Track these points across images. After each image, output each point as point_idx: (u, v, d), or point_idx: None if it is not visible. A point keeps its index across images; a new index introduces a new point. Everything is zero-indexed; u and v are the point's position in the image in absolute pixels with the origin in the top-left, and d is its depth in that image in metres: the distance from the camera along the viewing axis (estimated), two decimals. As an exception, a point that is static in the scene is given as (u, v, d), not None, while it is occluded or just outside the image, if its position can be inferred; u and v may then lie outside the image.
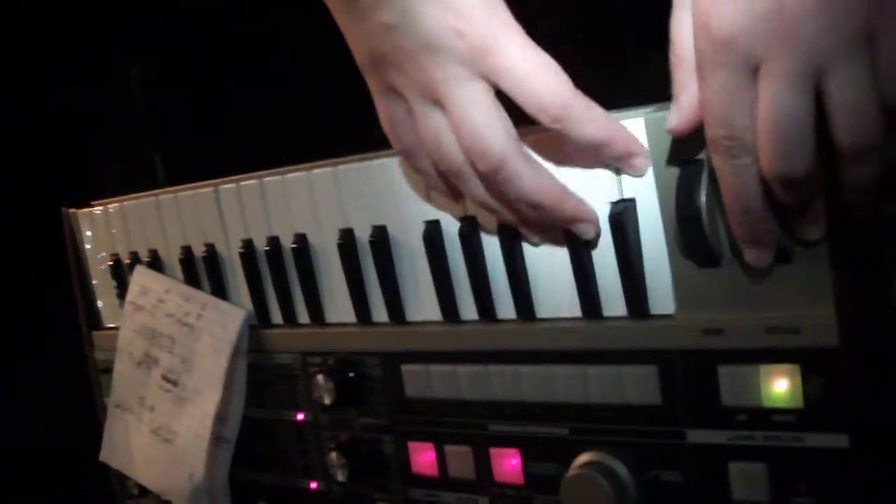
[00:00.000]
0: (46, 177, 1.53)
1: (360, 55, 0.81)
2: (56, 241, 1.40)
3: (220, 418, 1.17)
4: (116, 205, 1.32)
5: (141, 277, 1.28)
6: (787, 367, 0.74)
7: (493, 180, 0.78)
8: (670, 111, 0.72)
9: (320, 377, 1.04)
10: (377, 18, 0.76)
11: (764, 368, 0.75)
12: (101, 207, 1.35)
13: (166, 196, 1.24)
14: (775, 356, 0.75)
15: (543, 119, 0.75)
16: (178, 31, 1.45)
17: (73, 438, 1.47)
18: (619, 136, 0.77)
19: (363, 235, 1.00)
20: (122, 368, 1.30)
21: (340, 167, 1.02)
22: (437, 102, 0.77)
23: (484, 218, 0.89)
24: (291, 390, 1.13)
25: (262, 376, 1.17)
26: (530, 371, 0.89)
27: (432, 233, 0.93)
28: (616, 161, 0.79)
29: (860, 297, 0.71)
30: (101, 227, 1.35)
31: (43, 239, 1.45)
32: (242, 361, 1.17)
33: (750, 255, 0.72)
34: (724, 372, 0.78)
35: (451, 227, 0.92)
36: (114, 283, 1.35)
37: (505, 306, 0.91)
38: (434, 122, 0.78)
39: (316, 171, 1.04)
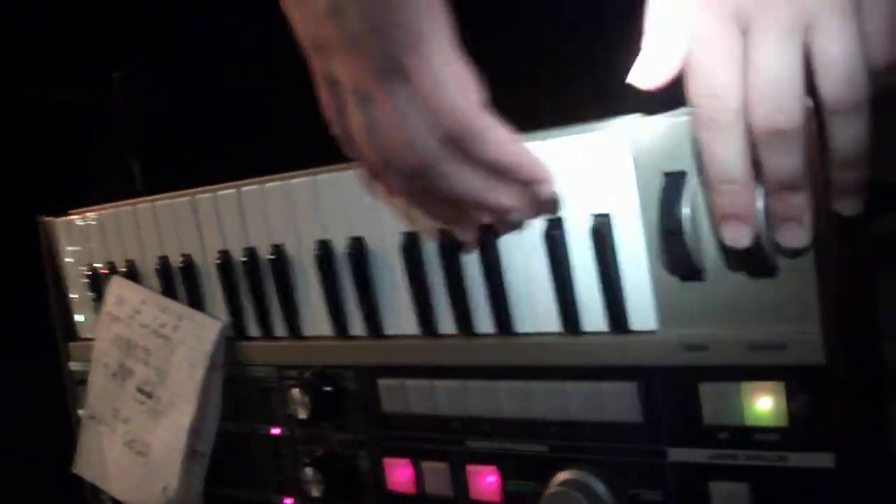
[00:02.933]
0: (23, 184, 1.51)
1: (303, 41, 0.79)
2: (32, 251, 1.38)
3: (195, 431, 1.16)
4: (94, 214, 1.30)
5: (117, 287, 1.26)
6: (771, 384, 0.73)
7: (415, 180, 0.78)
8: (635, 64, 0.72)
9: (296, 391, 1.03)
10: (318, 4, 0.74)
11: (747, 386, 0.74)
12: (78, 216, 1.33)
13: (143, 205, 1.22)
14: (759, 373, 0.74)
15: (440, 131, 0.74)
16: (162, 36, 1.44)
17: (46, 450, 1.43)
18: (523, 161, 0.77)
19: (341, 247, 0.99)
20: (97, 379, 1.28)
21: (319, 177, 1.00)
22: (368, 95, 0.76)
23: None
24: (267, 404, 1.12)
25: (237, 389, 1.15)
26: (509, 387, 0.88)
27: (410, 245, 0.92)
28: (522, 186, 0.79)
29: (847, 311, 0.70)
30: (78, 237, 1.33)
31: (18, 248, 1.43)
32: (218, 374, 1.15)
33: (728, 232, 0.70)
34: (707, 389, 0.76)
35: (429, 238, 0.91)
36: (90, 294, 1.32)
37: (484, 320, 0.89)
38: (363, 116, 0.77)
39: (294, 180, 1.03)
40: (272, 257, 1.06)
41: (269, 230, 1.07)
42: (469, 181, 0.78)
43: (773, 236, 0.71)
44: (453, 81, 0.74)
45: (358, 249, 0.97)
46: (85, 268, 1.32)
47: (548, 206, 0.82)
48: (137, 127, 1.49)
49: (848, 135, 0.65)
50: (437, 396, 0.94)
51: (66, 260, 1.36)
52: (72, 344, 1.38)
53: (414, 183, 0.79)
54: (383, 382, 0.98)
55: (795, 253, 0.71)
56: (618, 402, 0.81)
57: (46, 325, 1.40)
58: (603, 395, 0.82)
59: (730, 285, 0.75)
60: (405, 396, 0.97)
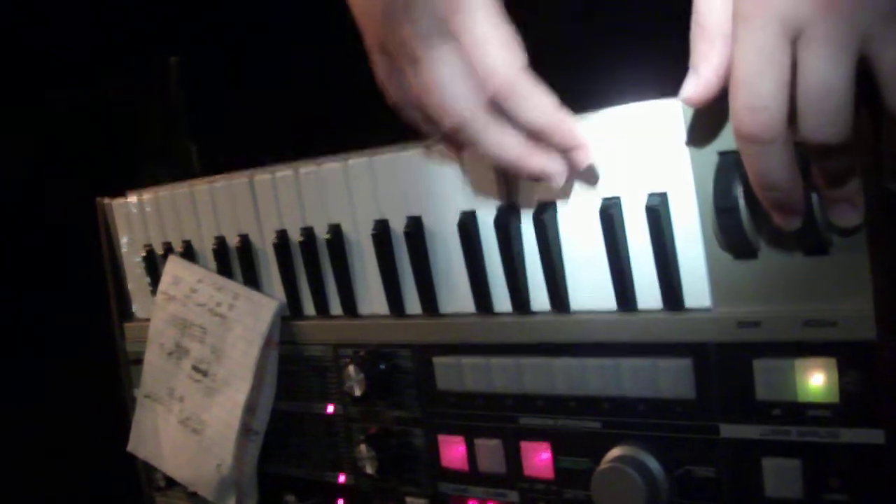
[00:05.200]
0: (82, 167, 1.53)
1: (355, 10, 0.84)
2: (90, 231, 1.40)
3: (250, 409, 1.17)
4: (151, 195, 1.32)
5: (173, 267, 1.28)
6: (823, 360, 0.73)
7: (456, 139, 0.82)
8: (686, 81, 0.71)
9: (351, 368, 1.04)
10: None
11: (799, 362, 0.74)
12: (135, 198, 1.35)
13: (200, 186, 1.23)
14: (811, 350, 0.74)
15: (487, 90, 0.77)
16: (217, 22, 1.45)
17: (101, 428, 1.46)
18: (561, 127, 0.79)
19: (398, 226, 1.00)
20: (153, 359, 1.30)
21: (376, 157, 1.02)
22: (416, 58, 0.79)
23: (523, 207, 0.89)
24: (322, 382, 1.13)
25: (292, 368, 1.16)
26: (563, 364, 0.89)
27: (467, 223, 0.93)
28: (559, 151, 0.81)
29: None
30: (136, 218, 1.35)
31: (77, 229, 1.45)
32: (274, 353, 1.16)
33: (777, 219, 0.70)
34: (760, 365, 0.77)
35: (486, 217, 0.92)
36: (146, 274, 1.35)
37: (539, 298, 0.90)
38: (413, 79, 0.81)
39: (351, 161, 1.04)
40: (329, 237, 1.07)
41: (327, 210, 1.08)
42: (508, 142, 0.80)
43: (825, 214, 0.71)
44: (496, 41, 0.77)
45: (415, 228, 0.98)
46: (141, 248, 1.34)
47: (585, 175, 0.83)
48: (192, 111, 1.50)
49: None
50: (492, 374, 0.94)
51: (123, 240, 1.38)
52: (127, 324, 1.40)
53: (460, 142, 0.82)
54: (438, 360, 0.99)
55: (848, 231, 0.71)
56: (671, 379, 0.82)
57: (104, 305, 1.42)
58: (657, 371, 0.83)
59: (783, 263, 0.75)
60: (460, 374, 0.97)
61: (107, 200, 1.39)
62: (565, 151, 0.80)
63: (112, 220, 1.39)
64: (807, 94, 0.63)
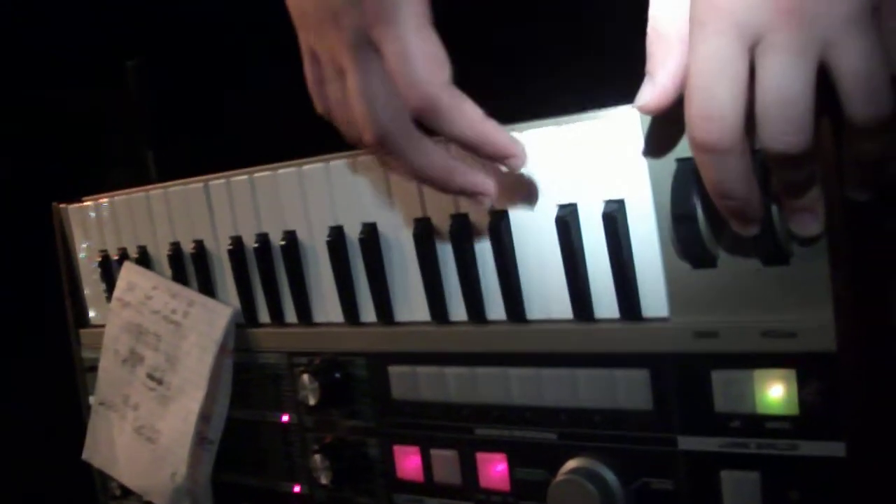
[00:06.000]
0: (38, 171, 1.50)
1: (291, 13, 0.81)
2: (46, 237, 1.38)
3: (205, 418, 1.15)
4: (107, 200, 1.30)
5: (129, 273, 1.26)
6: (782, 372, 0.72)
7: (381, 152, 0.79)
8: (642, 88, 0.69)
9: (306, 377, 1.02)
10: None
11: (759, 373, 0.73)
12: (91, 203, 1.32)
13: (156, 191, 1.21)
14: (771, 361, 0.73)
15: (407, 106, 0.75)
16: (177, 24, 1.43)
17: (56, 436, 1.44)
18: (490, 137, 0.77)
19: (353, 233, 0.98)
20: (108, 366, 1.28)
21: (332, 163, 1.00)
22: (341, 68, 0.78)
23: (476, 216, 0.88)
24: (277, 391, 1.11)
25: (247, 376, 1.15)
26: (519, 374, 0.87)
27: (422, 231, 0.92)
28: (492, 162, 0.79)
29: (860, 298, 0.69)
30: (92, 223, 1.32)
31: (33, 236, 1.43)
32: (228, 360, 1.15)
33: (735, 226, 0.68)
34: (718, 377, 0.75)
35: (442, 225, 0.91)
36: (102, 280, 1.33)
37: (495, 307, 0.88)
38: (338, 90, 0.79)
39: (306, 166, 1.02)
40: (284, 243, 1.05)
41: (281, 216, 1.06)
42: (432, 159, 0.79)
43: (785, 223, 0.70)
44: (421, 55, 0.74)
45: (370, 235, 0.96)
46: (97, 254, 1.32)
47: (529, 185, 0.82)
48: (150, 116, 1.48)
49: (872, 148, 0.63)
50: (448, 383, 0.93)
51: (80, 246, 1.36)
52: (83, 331, 1.38)
53: (385, 155, 0.80)
54: (394, 369, 0.98)
55: (808, 240, 0.70)
56: (629, 390, 0.81)
57: (59, 311, 1.39)
58: (614, 382, 0.82)
59: (742, 272, 0.73)
60: (415, 383, 0.96)
61: (63, 206, 1.37)
62: (499, 161, 0.78)
63: (68, 226, 1.36)
64: (765, 102, 0.61)
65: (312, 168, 1.02)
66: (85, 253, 1.36)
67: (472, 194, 0.80)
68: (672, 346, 0.78)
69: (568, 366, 0.84)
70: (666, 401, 0.79)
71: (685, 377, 0.77)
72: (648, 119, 0.76)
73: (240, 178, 1.10)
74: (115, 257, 1.29)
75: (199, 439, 1.16)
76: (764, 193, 0.67)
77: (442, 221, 0.91)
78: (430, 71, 0.74)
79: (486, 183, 0.80)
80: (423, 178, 0.80)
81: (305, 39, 0.81)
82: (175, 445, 1.17)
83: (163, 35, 1.45)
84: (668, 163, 0.75)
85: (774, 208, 0.69)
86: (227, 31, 1.40)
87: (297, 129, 0.97)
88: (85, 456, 1.33)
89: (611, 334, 0.81)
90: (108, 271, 1.31)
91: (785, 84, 0.60)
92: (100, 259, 1.31)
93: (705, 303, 0.76)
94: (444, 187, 0.80)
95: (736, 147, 0.63)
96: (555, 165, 0.82)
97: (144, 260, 1.25)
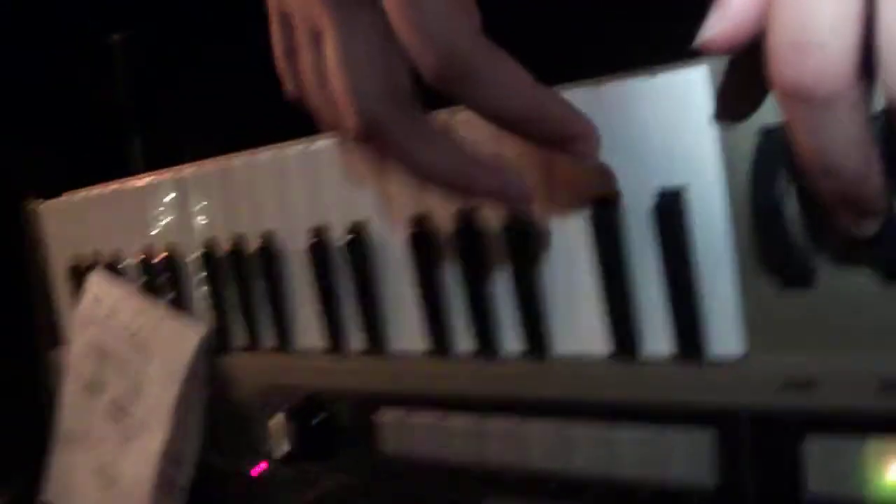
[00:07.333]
0: (7, 164, 1.38)
1: None
2: (16, 240, 1.27)
3: (174, 460, 1.02)
4: (81, 196, 1.17)
5: (95, 284, 1.13)
6: None
7: (369, 145, 0.63)
8: (708, 19, 0.49)
9: (278, 420, 0.88)
10: None
11: (873, 444, 0.56)
12: (67, 199, 1.20)
13: (128, 185, 1.08)
14: (892, 425, 0.56)
15: (426, 73, 0.56)
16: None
17: (19, 473, 1.31)
18: (550, 109, 0.58)
19: (340, 235, 0.83)
20: (71, 392, 1.16)
21: (315, 144, 0.85)
22: (317, 31, 0.62)
23: (490, 212, 0.72)
24: (250, 433, 0.97)
25: (218, 412, 1.01)
26: (540, 429, 0.71)
27: (420, 232, 0.76)
28: (549, 144, 0.60)
29: None
30: (66, 224, 1.21)
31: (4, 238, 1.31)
32: (198, 392, 1.01)
33: (844, 220, 0.51)
34: (814, 445, 0.58)
35: (447, 224, 0.75)
36: (74, 290, 1.19)
37: (511, 337, 0.73)
38: (314, 58, 0.63)
39: (288, 150, 0.87)
40: (260, 247, 0.90)
41: (259, 214, 0.91)
42: (442, 153, 0.62)
43: None
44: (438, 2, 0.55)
45: (359, 237, 0.81)
46: (71, 260, 1.20)
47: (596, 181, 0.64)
48: (137, 98, 1.38)
49: None
50: (448, 437, 0.77)
51: (53, 250, 1.24)
52: (56, 351, 1.25)
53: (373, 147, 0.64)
54: (383, 415, 0.82)
55: None
56: (686, 457, 0.64)
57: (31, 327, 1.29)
58: (666, 445, 0.65)
59: (852, 294, 0.57)
60: (409, 435, 0.80)
61: (34, 202, 1.26)
62: (559, 145, 0.59)
63: (40, 227, 1.25)
64: (893, 27, 0.42)
65: (293, 152, 0.86)
66: (59, 258, 1.24)
67: (506, 199, 0.63)
68: (749, 397, 0.61)
69: (604, 420, 0.68)
70: (737, 476, 0.63)
71: (765, 443, 0.61)
72: (719, 72, 0.59)
73: (212, 167, 0.96)
74: (88, 263, 1.16)
75: (167, 484, 1.03)
76: (889, 175, 0.50)
77: (447, 219, 0.75)
78: (454, 17, 0.55)
79: (520, 185, 0.62)
80: (432, 179, 0.62)
81: None
82: (136, 490, 1.04)
83: (153, 8, 1.31)
84: (748, 134, 0.58)
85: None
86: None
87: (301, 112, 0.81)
88: (45, 497, 1.22)
89: (663, 378, 0.65)
90: (80, 280, 1.18)
91: None
92: (72, 265, 1.19)
93: (798, 337, 0.59)
94: (462, 191, 0.63)
95: (844, 94, 0.44)
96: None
97: (117, 267, 1.12)
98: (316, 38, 0.62)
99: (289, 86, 0.68)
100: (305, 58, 0.64)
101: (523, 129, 0.58)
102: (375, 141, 0.61)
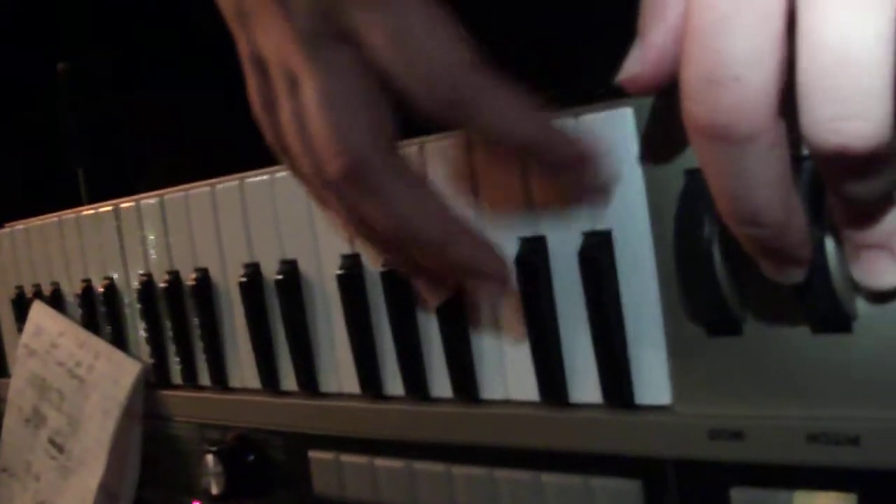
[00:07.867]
0: None
1: (222, 6, 0.61)
2: None
3: (112, 496, 1.00)
4: (22, 226, 1.16)
5: (37, 315, 1.12)
6: (836, 496, 0.53)
7: (349, 193, 0.58)
8: (630, 54, 0.47)
9: (210, 458, 0.85)
10: None
11: (801, 496, 0.54)
12: (10, 230, 1.19)
13: (68, 216, 1.06)
14: (820, 478, 0.54)
15: (426, 102, 0.53)
16: (115, 22, 1.31)
17: None
18: (560, 134, 0.56)
19: (273, 272, 0.80)
20: (11, 425, 1.14)
21: (247, 180, 0.82)
22: (294, 75, 0.58)
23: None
24: (186, 471, 0.94)
25: (155, 449, 0.99)
26: (467, 474, 0.69)
27: (351, 277, 0.73)
28: (557, 172, 0.58)
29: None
30: (8, 253, 1.19)
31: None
32: (136, 428, 0.99)
33: (767, 270, 0.49)
34: (741, 496, 0.56)
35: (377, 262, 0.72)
36: (17, 322, 1.18)
37: (441, 381, 0.71)
38: (291, 106, 0.59)
39: (220, 185, 0.85)
40: (194, 283, 0.88)
41: (193, 249, 0.89)
42: (424, 203, 0.58)
43: (847, 268, 0.51)
44: (434, 28, 0.54)
45: (290, 276, 0.78)
46: (13, 291, 1.18)
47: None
48: (83, 127, 1.34)
49: None
50: (378, 480, 0.75)
51: None
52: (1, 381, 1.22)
53: (349, 199, 0.59)
54: (315, 455, 0.80)
55: (882, 296, 0.51)
56: None
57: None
58: (592, 495, 0.63)
59: (779, 343, 0.54)
60: (340, 476, 0.78)
61: None
62: (569, 167, 0.57)
63: None
64: (815, 61, 0.38)
65: (225, 187, 0.84)
66: (3, 289, 1.22)
67: (479, 272, 0.60)
68: (675, 448, 0.59)
69: (531, 468, 0.66)
70: (664, 527, 0.60)
71: (692, 494, 0.59)
72: (643, 112, 0.57)
73: (150, 201, 0.93)
74: (30, 296, 1.15)
75: (104, 522, 1.01)
76: (814, 221, 0.48)
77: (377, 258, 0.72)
78: (451, 48, 0.54)
79: (499, 266, 0.60)
80: (402, 232, 0.58)
81: (246, 42, 0.61)
82: (73, 530, 1.01)
83: (99, 36, 1.29)
84: (674, 176, 0.56)
85: (830, 244, 0.50)
86: (180, 25, 1.24)
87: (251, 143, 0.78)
88: (-18, 536, 1.19)
89: (590, 426, 0.63)
90: (22, 311, 1.16)
91: (849, 35, 0.38)
92: (14, 296, 1.18)
93: (725, 387, 0.57)
94: (441, 252, 0.59)
95: (762, 134, 0.41)
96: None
97: (57, 300, 1.10)
98: (293, 85, 0.59)
99: (269, 138, 0.64)
100: (285, 106, 0.60)
101: (538, 153, 0.57)
102: (354, 186, 0.58)
